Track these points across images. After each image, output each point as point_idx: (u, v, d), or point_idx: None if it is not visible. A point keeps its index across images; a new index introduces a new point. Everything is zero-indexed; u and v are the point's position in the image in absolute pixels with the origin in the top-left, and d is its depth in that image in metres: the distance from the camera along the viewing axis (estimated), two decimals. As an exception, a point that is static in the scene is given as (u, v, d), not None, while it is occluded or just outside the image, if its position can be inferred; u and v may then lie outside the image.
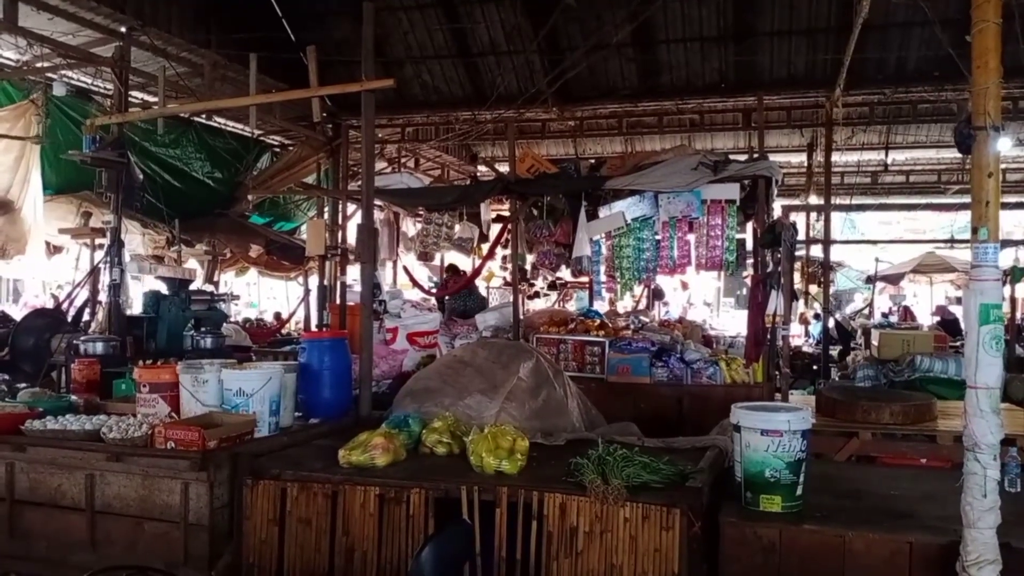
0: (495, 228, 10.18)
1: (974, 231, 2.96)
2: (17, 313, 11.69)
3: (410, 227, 10.86)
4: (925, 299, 20.84)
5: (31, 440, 4.28)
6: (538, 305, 12.90)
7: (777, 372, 7.05)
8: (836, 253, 15.88)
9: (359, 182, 6.75)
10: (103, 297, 8.01)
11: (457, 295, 10.58)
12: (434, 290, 12.03)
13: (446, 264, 12.16)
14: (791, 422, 3.46)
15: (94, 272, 8.42)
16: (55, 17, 8.31)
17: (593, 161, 9.28)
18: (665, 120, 12.99)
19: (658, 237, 7.72)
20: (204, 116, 10.94)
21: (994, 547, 2.90)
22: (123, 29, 8.71)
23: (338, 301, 8.49)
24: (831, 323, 12.44)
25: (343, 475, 3.90)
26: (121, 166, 7.68)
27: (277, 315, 16.61)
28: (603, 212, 7.94)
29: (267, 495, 3.93)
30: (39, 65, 9.06)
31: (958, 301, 15.73)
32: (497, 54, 11.31)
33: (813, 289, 14.32)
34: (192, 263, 11.35)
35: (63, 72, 9.50)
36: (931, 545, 3.15)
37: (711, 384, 7.04)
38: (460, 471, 3.93)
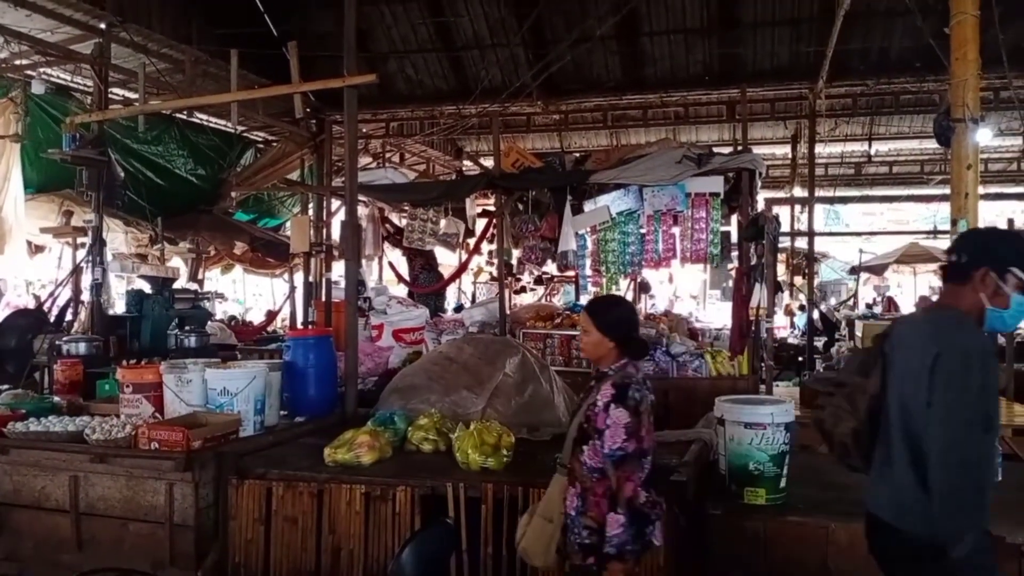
0: (481, 223, 10.17)
1: (953, 223, 2.99)
2: (-1, 313, 11.57)
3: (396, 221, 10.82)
4: (909, 289, 20.95)
5: (14, 442, 4.25)
6: (524, 300, 12.90)
7: (762, 364, 7.09)
8: (820, 244, 15.96)
9: (343, 178, 6.73)
10: (85, 297, 7.94)
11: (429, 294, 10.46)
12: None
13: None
14: (774, 415, 3.49)
15: (76, 271, 8.35)
16: (33, 14, 8.21)
17: (578, 155, 9.29)
18: (650, 113, 12.98)
19: (643, 231, 7.74)
20: (186, 113, 10.85)
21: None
22: (103, 25, 8.59)
23: (323, 298, 8.46)
24: (816, 314, 12.51)
25: (329, 474, 3.90)
26: (102, 164, 7.60)
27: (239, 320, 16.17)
28: (588, 206, 7.95)
29: (253, 494, 3.92)
30: (17, 63, 8.94)
31: (941, 291, 15.80)
32: (481, 47, 11.27)
33: (798, 281, 14.39)
34: (176, 261, 11.25)
35: (42, 69, 9.40)
36: (913, 535, 3.17)
37: (696, 377, 7.06)
38: (446, 468, 3.94)
